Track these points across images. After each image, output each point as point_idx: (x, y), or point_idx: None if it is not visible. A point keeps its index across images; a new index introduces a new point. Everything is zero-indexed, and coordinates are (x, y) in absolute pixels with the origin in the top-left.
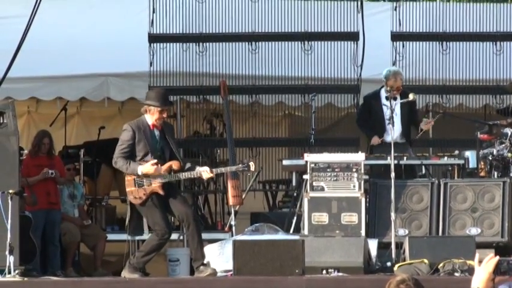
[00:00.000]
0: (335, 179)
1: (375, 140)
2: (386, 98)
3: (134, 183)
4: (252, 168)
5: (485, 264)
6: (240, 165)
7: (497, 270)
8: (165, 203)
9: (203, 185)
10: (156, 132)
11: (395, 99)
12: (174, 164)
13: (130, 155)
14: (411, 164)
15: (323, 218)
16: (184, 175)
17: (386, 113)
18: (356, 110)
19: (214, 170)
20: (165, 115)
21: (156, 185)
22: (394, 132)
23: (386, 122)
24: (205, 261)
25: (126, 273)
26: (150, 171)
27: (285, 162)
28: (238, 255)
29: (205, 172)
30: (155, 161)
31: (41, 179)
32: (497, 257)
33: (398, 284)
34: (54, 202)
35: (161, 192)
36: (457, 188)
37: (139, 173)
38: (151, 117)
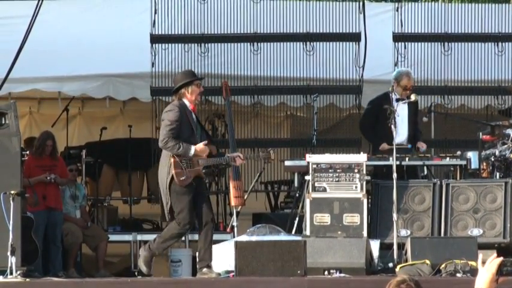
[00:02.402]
0: (337, 179)
1: (385, 146)
2: (397, 100)
3: (181, 164)
4: (272, 156)
5: (488, 265)
6: (261, 152)
7: (501, 271)
8: (194, 195)
9: (205, 185)
10: (194, 116)
11: (401, 100)
12: (213, 149)
13: (177, 136)
14: (413, 165)
15: (325, 218)
16: (218, 160)
17: (398, 113)
18: (358, 110)
19: (240, 155)
20: (202, 89)
21: (199, 167)
22: (401, 136)
23: (397, 121)
24: (210, 264)
25: (140, 260)
26: (202, 151)
27: (287, 163)
28: (240, 256)
29: (238, 158)
30: (206, 141)
31: (42, 180)
32: (501, 258)
33: (399, 284)
34: (52, 207)
35: (202, 175)
36: (459, 188)
37: (192, 152)
38: (189, 99)
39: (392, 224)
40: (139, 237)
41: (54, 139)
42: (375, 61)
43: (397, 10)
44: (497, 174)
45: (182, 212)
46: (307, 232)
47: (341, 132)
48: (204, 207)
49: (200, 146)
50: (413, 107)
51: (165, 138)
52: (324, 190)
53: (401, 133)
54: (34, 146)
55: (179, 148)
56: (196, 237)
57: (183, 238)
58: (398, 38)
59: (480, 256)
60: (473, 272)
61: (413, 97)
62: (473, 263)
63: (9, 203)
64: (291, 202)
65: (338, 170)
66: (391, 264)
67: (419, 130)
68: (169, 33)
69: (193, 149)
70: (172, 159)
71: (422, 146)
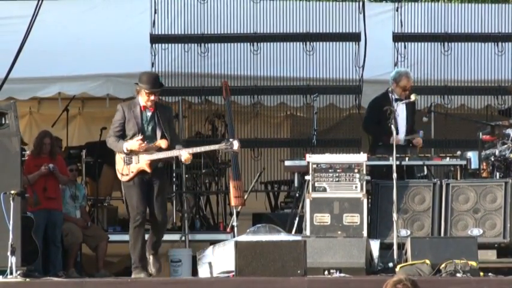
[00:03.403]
0: (337, 179)
1: (397, 140)
2: (396, 100)
3: (123, 161)
4: (235, 146)
5: None
6: (223, 144)
7: None
8: (148, 188)
9: (205, 185)
10: (148, 113)
11: (400, 100)
12: (163, 143)
13: (123, 135)
14: (410, 165)
15: (325, 218)
16: (164, 154)
17: (398, 113)
18: (358, 111)
19: (191, 149)
20: (153, 98)
21: (143, 162)
22: (399, 134)
23: (398, 121)
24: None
25: (133, 275)
26: (134, 147)
27: (287, 163)
28: (240, 256)
29: (183, 151)
30: (141, 137)
31: (41, 175)
32: None
33: (395, 284)
34: (53, 197)
35: (148, 169)
36: (459, 188)
37: (124, 149)
38: (141, 98)
39: (392, 224)
40: None
41: (52, 137)
42: (375, 61)
43: (397, 10)
44: (497, 174)
45: (130, 206)
46: (307, 232)
47: (341, 132)
48: (155, 208)
49: (131, 142)
50: (411, 107)
51: (107, 138)
52: (324, 190)
53: (400, 132)
54: (33, 145)
55: (116, 146)
56: (196, 237)
57: (183, 238)
58: (398, 38)
59: None
60: (473, 272)
61: (413, 97)
62: (473, 263)
63: (9, 203)
64: (291, 202)
65: (338, 170)
66: (391, 264)
67: (415, 130)
68: (169, 33)
69: (124, 146)
70: (117, 156)
71: (418, 142)
